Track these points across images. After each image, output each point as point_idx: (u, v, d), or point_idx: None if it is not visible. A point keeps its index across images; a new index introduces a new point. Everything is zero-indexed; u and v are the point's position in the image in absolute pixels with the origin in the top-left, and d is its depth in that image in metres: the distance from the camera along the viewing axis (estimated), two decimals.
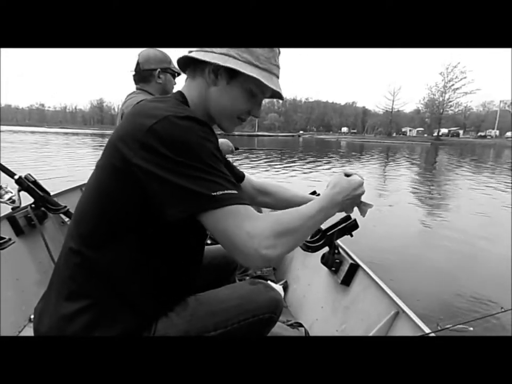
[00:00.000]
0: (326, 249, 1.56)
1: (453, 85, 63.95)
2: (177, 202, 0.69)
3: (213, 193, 0.69)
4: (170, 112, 0.73)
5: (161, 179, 0.69)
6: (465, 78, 63.18)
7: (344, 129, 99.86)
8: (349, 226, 1.51)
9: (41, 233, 1.69)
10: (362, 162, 16.53)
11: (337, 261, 1.54)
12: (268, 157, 14.74)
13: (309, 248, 1.53)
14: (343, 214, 1.55)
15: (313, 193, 1.66)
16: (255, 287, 0.96)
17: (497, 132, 71.46)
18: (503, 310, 1.28)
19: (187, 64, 0.88)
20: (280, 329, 1.49)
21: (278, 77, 0.88)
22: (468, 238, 4.60)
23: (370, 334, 1.25)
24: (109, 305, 0.77)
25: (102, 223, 0.77)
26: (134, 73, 1.80)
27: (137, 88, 1.80)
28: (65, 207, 1.76)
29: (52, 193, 1.87)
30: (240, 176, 1.19)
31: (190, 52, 0.86)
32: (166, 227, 0.77)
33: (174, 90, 1.87)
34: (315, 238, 1.55)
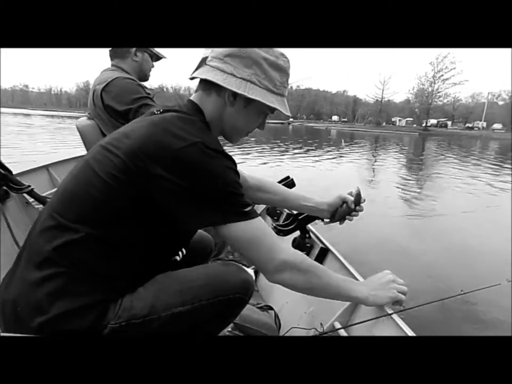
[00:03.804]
0: (297, 233, 1.57)
1: (442, 75, 64.29)
2: (201, 216, 0.78)
3: (240, 209, 0.79)
4: (200, 138, 0.77)
5: (182, 197, 0.76)
6: (454, 68, 63.57)
7: (335, 117, 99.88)
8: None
9: (2, 213, 1.60)
10: (353, 151, 16.62)
11: (308, 245, 1.55)
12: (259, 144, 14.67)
13: (280, 232, 1.54)
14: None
15: (287, 178, 1.65)
16: (227, 268, 0.97)
17: (485, 124, 72.34)
18: (462, 292, 1.30)
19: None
20: (249, 311, 1.50)
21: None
22: (454, 227, 4.70)
23: (336, 316, 1.27)
24: (79, 276, 0.77)
25: (96, 209, 0.78)
26: (110, 48, 1.74)
27: (112, 65, 1.73)
28: (29, 186, 1.69)
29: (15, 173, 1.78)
30: None
31: (207, 58, 0.87)
32: (158, 223, 0.82)
33: (151, 73, 1.85)
34: (287, 222, 1.55)
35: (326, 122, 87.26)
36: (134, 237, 0.82)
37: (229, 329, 1.39)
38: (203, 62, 0.89)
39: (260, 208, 2.10)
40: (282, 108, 0.90)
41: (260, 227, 0.83)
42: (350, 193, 1.28)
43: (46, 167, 2.45)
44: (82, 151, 1.89)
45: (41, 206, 1.70)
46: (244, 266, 1.53)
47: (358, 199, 1.27)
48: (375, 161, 11.56)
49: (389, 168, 10.76)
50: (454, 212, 5.44)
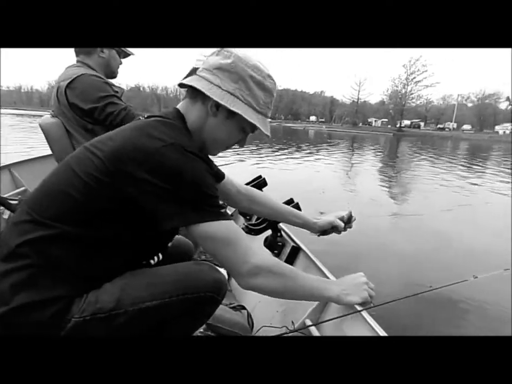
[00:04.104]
0: (269, 232, 1.57)
1: (414, 77, 66.34)
2: (177, 216, 0.78)
3: (212, 209, 0.80)
4: (178, 140, 0.79)
5: (164, 199, 0.76)
6: (426, 71, 65.66)
7: (313, 118, 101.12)
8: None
9: None
10: (330, 151, 16.84)
11: (280, 243, 1.55)
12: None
13: (252, 231, 1.53)
14: (285, 198, 1.56)
15: (259, 177, 1.64)
16: (199, 266, 0.97)
17: (455, 125, 75.15)
18: (431, 288, 1.33)
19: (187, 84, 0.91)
20: (222, 311, 1.49)
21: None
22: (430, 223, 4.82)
23: (307, 314, 1.28)
24: (47, 270, 0.76)
25: (74, 209, 0.78)
26: None
27: (77, 61, 1.67)
28: None
29: None
30: (221, 175, 1.23)
31: (196, 70, 0.90)
32: (140, 225, 0.83)
33: (119, 70, 1.80)
34: (258, 221, 1.55)
35: (304, 122, 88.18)
36: (116, 237, 0.82)
37: (201, 330, 1.37)
38: (193, 71, 0.91)
39: (231, 208, 2.08)
40: (263, 126, 0.92)
41: (234, 229, 0.84)
42: (342, 218, 1.32)
43: (8, 167, 2.34)
44: (48, 150, 1.81)
45: (2, 208, 1.62)
46: (216, 267, 1.52)
47: (349, 220, 1.33)
48: (352, 166, 11.74)
49: (367, 169, 10.94)
50: (430, 211, 5.51)
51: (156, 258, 1.04)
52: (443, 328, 2.29)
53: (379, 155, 17.17)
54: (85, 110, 1.49)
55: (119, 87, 1.63)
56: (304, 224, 1.33)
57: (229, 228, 0.83)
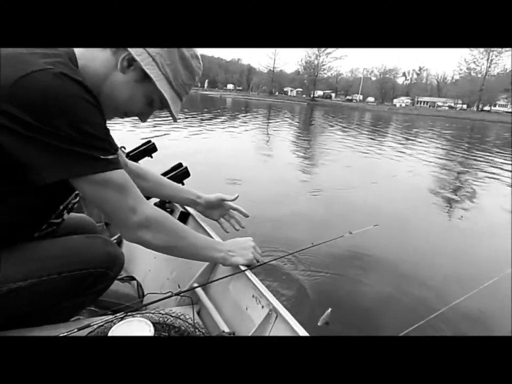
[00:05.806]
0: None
1: (325, 49, 69.74)
2: (58, 165, 0.65)
3: (102, 156, 0.68)
4: (57, 67, 0.64)
5: (38, 141, 0.62)
6: None
7: (230, 86, 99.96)
8: (180, 174, 1.47)
9: None
10: (248, 119, 16.91)
11: (168, 209, 1.50)
12: None
13: None
14: (173, 162, 1.49)
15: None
16: (91, 240, 0.89)
17: (361, 97, 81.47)
18: (312, 245, 1.40)
19: None
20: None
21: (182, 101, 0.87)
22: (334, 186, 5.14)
23: (195, 277, 1.28)
24: None
25: None
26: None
27: None
28: None
29: None
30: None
31: None
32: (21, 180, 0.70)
33: None
34: None
35: (221, 90, 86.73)
36: None
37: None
38: None
39: None
40: (174, 106, 0.81)
41: (125, 177, 0.75)
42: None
43: None
44: None
45: None
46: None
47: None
48: (269, 137, 11.98)
49: (283, 139, 11.19)
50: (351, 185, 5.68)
51: (43, 227, 0.87)
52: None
53: (295, 123, 17.85)
54: None
55: None
56: (194, 201, 1.27)
57: (120, 176, 0.73)
